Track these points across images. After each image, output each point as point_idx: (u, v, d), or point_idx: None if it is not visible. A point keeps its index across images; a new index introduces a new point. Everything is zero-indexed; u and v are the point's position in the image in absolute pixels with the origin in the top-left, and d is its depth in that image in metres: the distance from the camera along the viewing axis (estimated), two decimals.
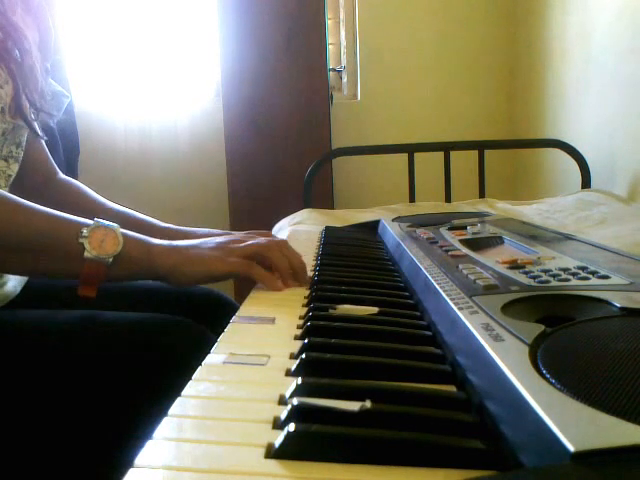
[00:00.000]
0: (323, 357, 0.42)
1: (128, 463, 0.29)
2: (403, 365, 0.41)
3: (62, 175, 1.00)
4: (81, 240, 0.64)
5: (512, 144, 2.31)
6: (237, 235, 0.77)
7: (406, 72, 2.49)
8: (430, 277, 0.56)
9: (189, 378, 0.40)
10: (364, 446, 0.30)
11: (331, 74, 2.39)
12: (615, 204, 1.48)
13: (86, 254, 0.64)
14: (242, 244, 0.71)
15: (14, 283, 0.84)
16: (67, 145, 2.04)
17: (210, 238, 0.74)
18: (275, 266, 0.70)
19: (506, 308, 0.43)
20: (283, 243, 0.73)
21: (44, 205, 0.93)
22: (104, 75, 2.52)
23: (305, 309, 0.58)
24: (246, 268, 0.68)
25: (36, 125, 0.81)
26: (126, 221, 0.92)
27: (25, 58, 0.76)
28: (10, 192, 0.93)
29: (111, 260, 0.64)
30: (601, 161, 1.80)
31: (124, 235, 0.66)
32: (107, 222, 0.66)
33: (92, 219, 0.66)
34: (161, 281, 0.69)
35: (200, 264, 0.68)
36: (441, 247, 0.71)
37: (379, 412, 0.33)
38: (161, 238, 0.88)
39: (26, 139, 0.85)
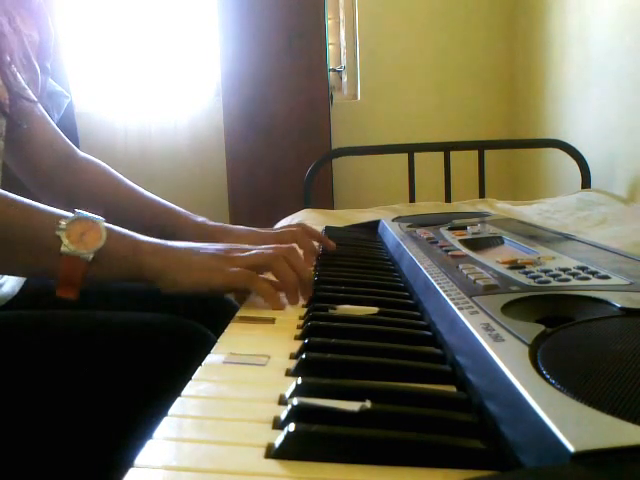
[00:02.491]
0: (323, 357, 0.42)
1: (128, 463, 0.29)
2: (403, 365, 0.41)
3: (83, 154, 0.93)
4: (58, 233, 0.58)
5: (512, 144, 2.31)
6: (244, 245, 0.69)
7: (406, 72, 2.49)
8: (430, 277, 0.56)
9: (189, 378, 0.40)
10: (364, 446, 0.30)
11: (331, 74, 2.40)
12: (615, 204, 1.48)
13: (63, 248, 0.57)
14: (246, 253, 0.64)
15: (12, 284, 0.84)
16: None
17: (209, 243, 0.67)
18: (281, 279, 0.63)
19: (506, 308, 0.43)
20: (292, 252, 0.66)
21: (67, 189, 0.90)
22: (104, 76, 2.52)
23: (305, 309, 0.58)
24: (247, 281, 0.61)
25: (17, 113, 0.74)
26: (156, 209, 0.89)
27: (1, 41, 0.70)
28: (23, 179, 0.90)
29: (92, 256, 0.58)
30: (601, 161, 1.80)
31: (108, 229, 0.60)
32: (90, 214, 0.60)
33: (73, 211, 0.60)
34: (149, 283, 0.62)
35: (196, 272, 0.61)
36: (441, 247, 0.71)
37: (379, 412, 0.33)
38: (194, 232, 0.82)
39: (28, 120, 0.79)
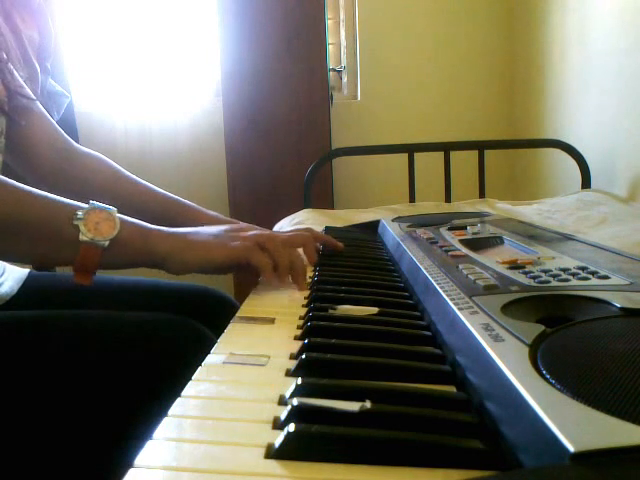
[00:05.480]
0: (323, 357, 0.42)
1: (128, 463, 0.29)
2: (403, 365, 0.41)
3: (83, 148, 0.95)
4: (76, 222, 0.61)
5: (512, 144, 2.31)
6: (244, 225, 0.75)
7: (406, 72, 2.49)
8: (430, 277, 0.56)
9: (189, 378, 0.40)
10: (364, 446, 0.30)
11: (331, 74, 2.39)
12: (615, 204, 1.48)
13: (81, 237, 0.61)
14: (248, 233, 0.69)
15: (11, 284, 0.84)
16: None
17: (213, 226, 0.71)
18: (275, 260, 0.68)
19: (506, 308, 0.43)
20: (289, 242, 0.72)
21: (69, 183, 0.92)
22: (104, 75, 2.52)
23: (305, 309, 0.58)
24: (247, 252, 0.66)
25: (15, 111, 0.76)
26: (166, 202, 0.91)
27: None
28: (24, 175, 0.91)
29: (107, 244, 0.62)
30: (601, 161, 1.80)
31: (121, 219, 0.64)
32: (103, 205, 0.64)
33: (88, 202, 0.64)
34: (158, 268, 0.66)
35: (200, 250, 0.66)
36: (441, 247, 0.71)
37: (379, 412, 0.33)
38: (208, 225, 0.87)
39: (24, 118, 0.80)
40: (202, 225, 0.85)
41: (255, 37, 2.24)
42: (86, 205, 0.63)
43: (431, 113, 2.50)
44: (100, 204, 0.64)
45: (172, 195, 0.92)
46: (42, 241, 0.63)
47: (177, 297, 0.88)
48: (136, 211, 0.89)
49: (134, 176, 0.93)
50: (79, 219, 0.62)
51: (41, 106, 0.88)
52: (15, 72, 0.77)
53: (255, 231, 0.70)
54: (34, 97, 0.84)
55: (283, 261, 0.68)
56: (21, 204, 0.62)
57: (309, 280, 0.71)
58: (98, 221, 0.62)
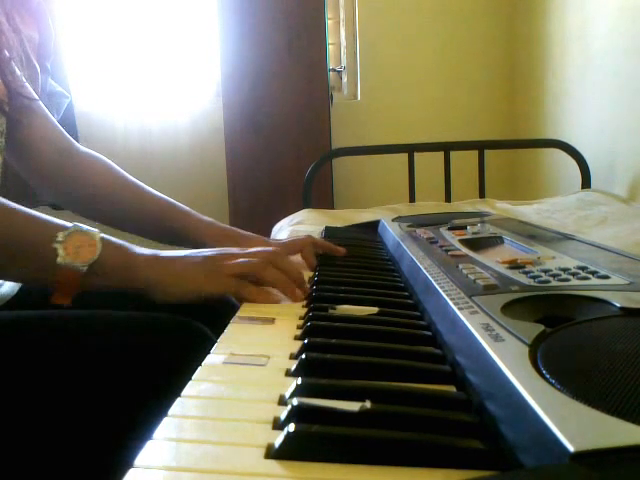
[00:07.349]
0: (323, 357, 0.42)
1: (128, 463, 0.29)
2: (403, 365, 0.41)
3: (83, 149, 0.93)
4: (55, 245, 0.60)
5: (512, 144, 2.31)
6: (231, 249, 0.71)
7: (406, 72, 2.49)
8: (430, 277, 0.56)
9: (189, 378, 0.40)
10: (364, 446, 0.30)
11: (331, 74, 2.39)
12: (615, 204, 1.48)
13: (59, 260, 0.59)
14: (234, 261, 0.66)
15: (11, 284, 0.84)
16: None
17: (198, 251, 0.69)
18: (272, 285, 0.66)
19: (506, 308, 0.43)
20: (278, 257, 0.68)
21: (70, 183, 0.90)
22: (104, 75, 2.52)
23: (305, 309, 0.58)
24: (237, 289, 0.64)
25: (16, 111, 0.75)
26: (166, 208, 0.89)
27: None
28: (25, 176, 0.91)
29: (86, 269, 0.60)
30: (601, 161, 1.80)
31: (104, 241, 0.62)
32: (87, 227, 0.62)
33: (72, 223, 0.62)
34: (142, 294, 0.65)
35: (188, 282, 0.64)
36: (441, 247, 0.71)
37: (379, 412, 0.33)
38: (206, 233, 0.84)
39: (24, 118, 0.79)
40: (202, 234, 0.84)
41: (255, 37, 2.24)
42: (70, 225, 0.61)
43: (431, 113, 2.51)
44: (84, 226, 0.62)
45: (171, 200, 0.91)
46: (20, 260, 0.61)
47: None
48: (134, 213, 0.89)
49: (134, 179, 0.93)
50: (58, 242, 0.60)
51: (43, 106, 0.88)
52: (17, 71, 0.76)
53: (243, 260, 0.66)
54: (36, 97, 0.83)
55: (281, 282, 0.65)
56: (4, 221, 0.60)
57: (308, 280, 0.71)
58: (80, 245, 0.60)
